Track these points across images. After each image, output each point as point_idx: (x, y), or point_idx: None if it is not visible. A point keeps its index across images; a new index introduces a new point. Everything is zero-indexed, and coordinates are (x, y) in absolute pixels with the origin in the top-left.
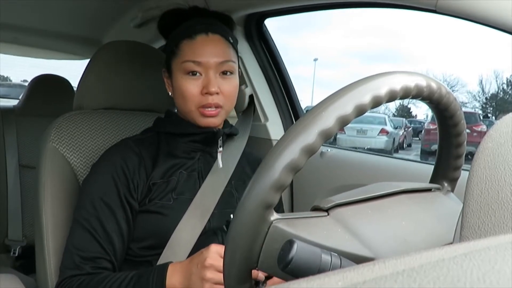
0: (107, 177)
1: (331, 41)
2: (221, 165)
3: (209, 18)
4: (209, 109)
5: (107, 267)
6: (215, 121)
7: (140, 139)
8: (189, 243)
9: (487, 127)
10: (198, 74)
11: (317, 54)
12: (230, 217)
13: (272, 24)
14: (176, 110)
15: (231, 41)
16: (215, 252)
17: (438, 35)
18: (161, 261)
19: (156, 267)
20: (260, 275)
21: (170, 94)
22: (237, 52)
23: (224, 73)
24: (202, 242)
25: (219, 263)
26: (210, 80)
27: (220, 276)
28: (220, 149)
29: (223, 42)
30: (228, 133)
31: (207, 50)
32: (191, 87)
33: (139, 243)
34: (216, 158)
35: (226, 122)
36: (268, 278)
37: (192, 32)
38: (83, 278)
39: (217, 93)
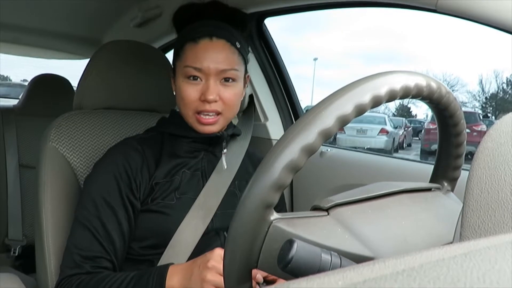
0: (109, 176)
1: (333, 41)
2: (225, 167)
3: (217, 20)
4: (207, 116)
5: (107, 266)
6: (213, 129)
7: (143, 138)
8: (191, 243)
9: (487, 127)
10: (198, 79)
11: (319, 54)
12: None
13: (275, 25)
14: (178, 110)
15: (238, 46)
16: (219, 255)
17: (439, 35)
18: (162, 261)
19: (156, 268)
20: (258, 276)
21: (174, 93)
22: (244, 58)
23: (225, 79)
24: (204, 243)
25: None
26: (209, 88)
27: (221, 279)
28: (225, 150)
29: (227, 48)
30: (231, 134)
31: (209, 56)
32: (190, 91)
33: (140, 243)
34: (219, 157)
35: (229, 123)
36: (268, 282)
37: (195, 36)
38: (83, 277)
39: (216, 101)
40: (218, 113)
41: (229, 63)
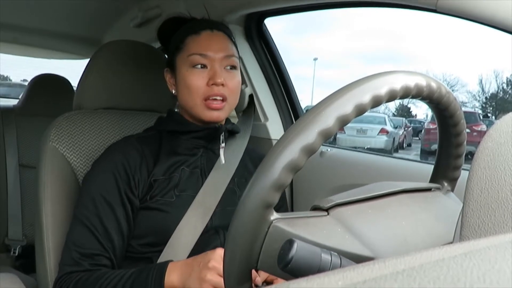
0: (107, 175)
1: (333, 41)
2: (223, 161)
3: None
4: (215, 102)
5: (106, 264)
6: (220, 115)
7: (142, 136)
8: (190, 241)
9: (487, 127)
10: (204, 66)
11: (319, 54)
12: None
13: (275, 26)
14: (176, 110)
15: (233, 40)
16: (220, 256)
17: (439, 35)
18: (161, 259)
19: (156, 264)
20: (257, 279)
21: (173, 92)
22: (238, 52)
23: (228, 67)
24: (203, 241)
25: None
26: (216, 72)
27: (220, 280)
28: (223, 144)
29: (226, 38)
30: (230, 129)
31: (212, 44)
32: (197, 79)
33: (139, 240)
34: (218, 155)
35: (227, 119)
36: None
37: (197, 28)
38: (82, 274)
39: (223, 85)
40: (224, 98)
41: (230, 50)
